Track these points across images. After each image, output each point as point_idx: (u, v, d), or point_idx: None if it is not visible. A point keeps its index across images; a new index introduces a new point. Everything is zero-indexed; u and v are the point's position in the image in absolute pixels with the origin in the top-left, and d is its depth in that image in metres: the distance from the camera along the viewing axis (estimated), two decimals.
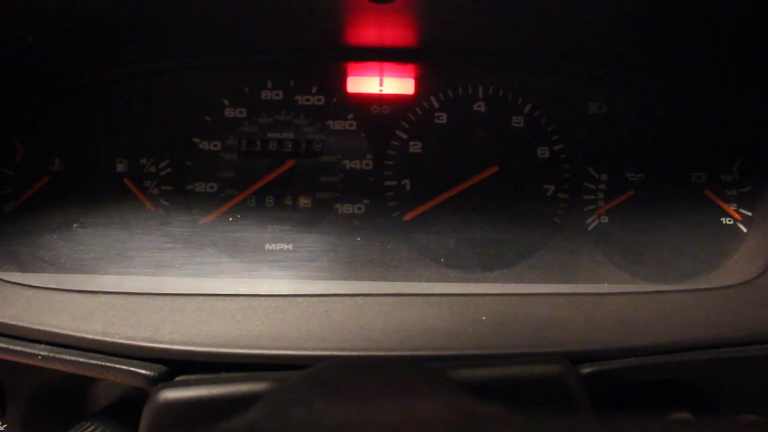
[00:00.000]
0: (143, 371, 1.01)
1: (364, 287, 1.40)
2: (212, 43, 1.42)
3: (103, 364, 1.03)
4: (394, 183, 1.46)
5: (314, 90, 1.46)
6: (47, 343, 1.07)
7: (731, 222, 1.45)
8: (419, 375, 0.73)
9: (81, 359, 1.04)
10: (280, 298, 1.15)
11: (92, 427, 1.05)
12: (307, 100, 1.46)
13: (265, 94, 1.45)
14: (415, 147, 1.46)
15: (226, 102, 1.45)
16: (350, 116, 1.46)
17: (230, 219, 1.43)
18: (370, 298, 1.15)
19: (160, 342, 1.04)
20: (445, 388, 0.68)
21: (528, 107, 1.46)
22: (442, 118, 1.46)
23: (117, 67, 1.43)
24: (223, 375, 0.98)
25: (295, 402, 0.58)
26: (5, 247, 1.39)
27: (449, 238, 1.44)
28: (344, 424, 0.51)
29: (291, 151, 1.45)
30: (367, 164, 1.46)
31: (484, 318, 1.10)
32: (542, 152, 1.46)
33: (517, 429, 0.50)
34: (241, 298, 1.15)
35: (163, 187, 1.44)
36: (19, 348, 1.06)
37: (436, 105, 1.46)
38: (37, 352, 1.05)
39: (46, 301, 1.14)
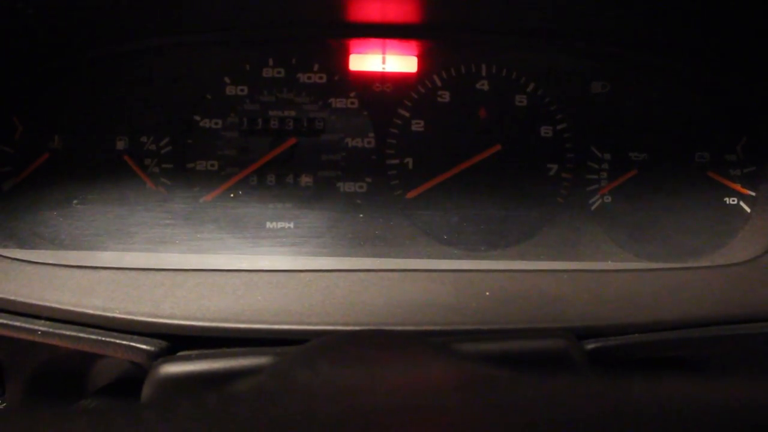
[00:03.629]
0: (143, 346, 1.00)
1: (366, 264, 1.39)
2: (213, 19, 1.40)
3: (103, 339, 1.02)
4: (396, 161, 1.45)
5: (316, 68, 1.44)
6: (47, 318, 1.06)
7: (735, 202, 1.44)
8: (425, 345, 0.73)
9: (81, 334, 1.03)
10: (281, 273, 1.14)
11: (93, 405, 1.05)
12: (309, 78, 1.44)
13: (267, 72, 1.44)
14: (417, 125, 1.45)
15: (227, 80, 1.44)
16: (352, 94, 1.45)
17: (231, 195, 1.42)
18: (372, 274, 1.14)
19: (161, 317, 1.03)
20: (451, 355, 0.67)
21: (531, 86, 1.45)
22: (445, 96, 1.45)
23: (117, 44, 1.42)
24: (224, 350, 0.98)
25: (300, 365, 0.58)
26: (5, 224, 1.38)
27: (452, 215, 1.44)
28: (350, 387, 0.50)
29: (293, 130, 1.44)
30: (369, 142, 1.45)
31: (487, 293, 1.09)
32: (545, 131, 1.45)
33: (525, 390, 0.49)
34: (243, 273, 1.14)
35: (164, 165, 1.43)
36: (18, 323, 1.05)
37: (438, 83, 1.45)
38: (36, 327, 1.04)
39: (46, 276, 1.13)
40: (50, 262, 1.19)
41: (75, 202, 1.40)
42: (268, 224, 1.42)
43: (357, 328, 1.01)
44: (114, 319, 1.03)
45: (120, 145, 1.42)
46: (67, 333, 1.03)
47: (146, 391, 0.93)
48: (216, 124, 1.43)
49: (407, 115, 1.45)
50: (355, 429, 0.42)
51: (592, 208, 1.45)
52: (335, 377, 0.53)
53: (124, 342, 1.01)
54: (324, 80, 1.44)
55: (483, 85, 1.45)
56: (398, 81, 1.45)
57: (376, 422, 0.43)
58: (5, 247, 1.35)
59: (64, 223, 1.39)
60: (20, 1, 1.14)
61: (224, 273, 1.14)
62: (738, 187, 1.44)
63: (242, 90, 1.44)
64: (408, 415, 0.45)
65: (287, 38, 1.44)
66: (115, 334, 1.03)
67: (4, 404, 1.18)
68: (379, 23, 1.41)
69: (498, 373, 0.54)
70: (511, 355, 0.92)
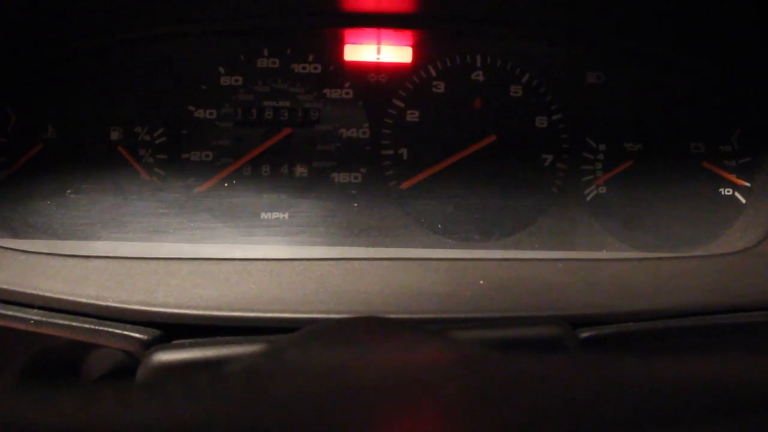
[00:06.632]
0: (137, 335, 0.99)
1: (361, 253, 1.39)
2: (208, 10, 1.40)
3: (96, 328, 1.02)
4: (391, 152, 1.44)
5: (311, 58, 1.44)
6: (40, 307, 1.05)
7: (730, 192, 1.44)
8: (418, 329, 0.73)
9: (74, 323, 1.02)
10: (275, 261, 1.13)
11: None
12: (304, 68, 1.44)
13: (261, 62, 1.43)
14: (412, 116, 1.45)
15: (221, 70, 1.43)
16: (347, 85, 1.44)
17: (225, 185, 1.41)
18: (366, 262, 1.14)
19: (154, 305, 1.02)
20: (445, 339, 0.67)
21: (526, 77, 1.45)
22: (440, 87, 1.45)
23: (111, 34, 1.41)
24: (218, 338, 0.97)
25: (292, 346, 0.58)
26: None
27: (446, 205, 1.43)
28: (341, 367, 0.50)
29: (287, 120, 1.43)
30: (364, 133, 1.44)
31: (482, 282, 1.09)
32: (540, 122, 1.45)
33: (517, 368, 0.49)
34: (236, 261, 1.14)
35: (158, 156, 1.42)
36: (11, 313, 1.04)
37: (433, 74, 1.45)
38: (29, 316, 1.04)
39: (39, 265, 1.12)
40: (44, 251, 1.18)
41: (69, 192, 1.39)
42: (263, 214, 1.42)
43: (351, 316, 1.01)
44: (107, 307, 1.03)
45: (114, 135, 1.42)
46: (60, 322, 1.03)
47: (139, 378, 0.92)
48: (210, 114, 1.43)
49: (402, 105, 1.44)
50: (347, 407, 0.42)
51: (587, 198, 1.44)
52: (327, 357, 0.53)
53: (117, 331, 1.00)
54: (319, 70, 1.44)
55: (478, 76, 1.45)
56: (393, 71, 1.44)
57: (367, 400, 0.43)
58: None
59: (57, 213, 1.38)
60: None
61: (218, 261, 1.14)
62: (733, 177, 1.44)
63: (237, 80, 1.43)
64: (399, 392, 0.45)
65: (282, 28, 1.44)
66: (109, 322, 1.02)
67: None
68: (373, 13, 1.41)
69: (491, 353, 0.54)
70: (505, 342, 0.92)
